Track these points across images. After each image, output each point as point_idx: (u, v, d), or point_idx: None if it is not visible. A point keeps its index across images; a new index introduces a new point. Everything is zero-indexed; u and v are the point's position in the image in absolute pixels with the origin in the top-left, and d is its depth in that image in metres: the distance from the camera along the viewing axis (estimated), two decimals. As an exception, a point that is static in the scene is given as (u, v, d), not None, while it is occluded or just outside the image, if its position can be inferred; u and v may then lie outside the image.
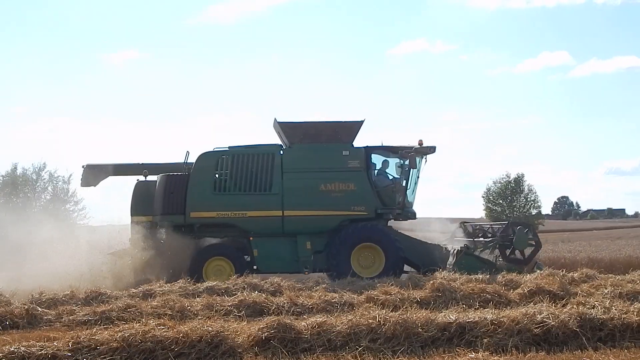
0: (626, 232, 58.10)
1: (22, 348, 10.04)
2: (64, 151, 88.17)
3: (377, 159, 22.47)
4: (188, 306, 14.34)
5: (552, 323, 10.86)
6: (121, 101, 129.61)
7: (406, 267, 21.90)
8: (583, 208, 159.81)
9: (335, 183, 21.57)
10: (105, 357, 9.98)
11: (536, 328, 10.83)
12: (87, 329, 11.41)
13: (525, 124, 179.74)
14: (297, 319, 11.80)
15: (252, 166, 21.55)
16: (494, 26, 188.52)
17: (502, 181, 72.75)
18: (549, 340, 10.72)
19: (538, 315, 11.07)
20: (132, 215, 21.95)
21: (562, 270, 19.31)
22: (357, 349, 10.36)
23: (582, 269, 19.25)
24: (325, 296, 14.97)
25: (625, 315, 11.26)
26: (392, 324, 10.87)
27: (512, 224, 22.61)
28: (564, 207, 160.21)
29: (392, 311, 11.68)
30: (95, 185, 23.70)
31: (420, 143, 21.93)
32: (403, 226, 24.19)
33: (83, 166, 23.46)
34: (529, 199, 72.09)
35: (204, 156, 21.81)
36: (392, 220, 22.73)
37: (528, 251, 21.91)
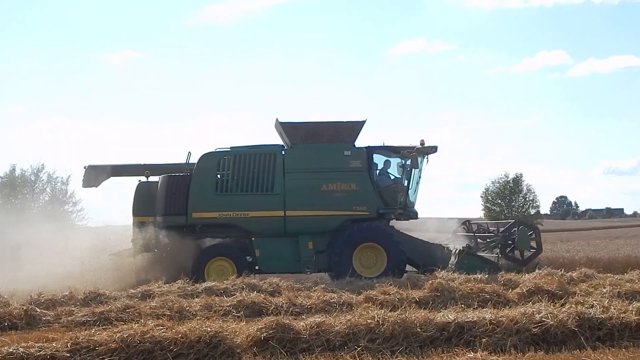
0: (625, 232, 58.10)
1: (21, 349, 10.04)
2: (63, 151, 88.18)
3: (378, 159, 22.47)
4: (187, 307, 14.34)
5: (551, 322, 10.87)
6: (121, 101, 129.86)
7: (406, 267, 21.89)
8: (582, 208, 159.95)
9: (337, 183, 21.56)
10: (104, 358, 9.98)
11: (535, 327, 10.84)
12: (85, 330, 11.42)
13: (524, 124, 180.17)
14: (295, 319, 11.80)
15: (254, 166, 21.54)
16: (491, 26, 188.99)
17: (500, 181, 72.72)
18: (547, 339, 10.73)
19: (537, 315, 11.08)
20: (134, 215, 21.90)
21: (561, 270, 19.34)
22: (355, 349, 10.36)
23: (581, 269, 19.27)
24: (323, 296, 14.97)
25: (623, 315, 11.28)
26: (390, 323, 10.87)
27: (518, 223, 22.61)
28: (563, 207, 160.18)
29: (390, 311, 11.68)
30: (96, 186, 23.72)
31: (422, 143, 21.91)
32: (401, 226, 24.15)
33: (85, 167, 23.47)
34: (527, 199, 72.01)
35: (206, 157, 21.80)
36: (394, 220, 22.71)
37: (528, 253, 21.92)
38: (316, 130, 21.92)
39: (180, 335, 10.38)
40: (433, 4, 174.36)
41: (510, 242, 21.71)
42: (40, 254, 21.78)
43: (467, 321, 11.06)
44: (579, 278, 18.09)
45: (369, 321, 10.99)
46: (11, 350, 9.98)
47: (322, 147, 21.75)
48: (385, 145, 22.54)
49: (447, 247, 22.25)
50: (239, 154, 21.68)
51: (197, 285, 17.33)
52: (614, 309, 11.56)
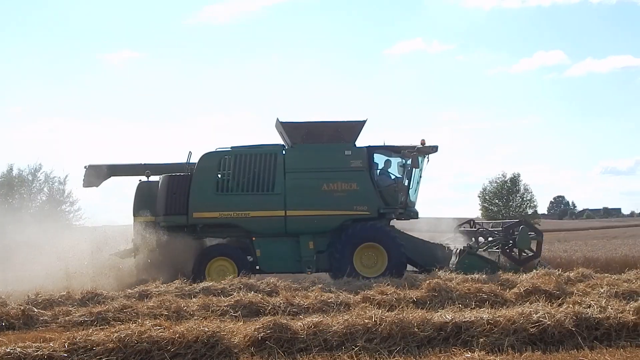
0: (622, 232, 58.07)
1: (18, 349, 10.03)
2: (63, 152, 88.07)
3: (379, 159, 22.50)
4: (184, 307, 14.34)
5: (548, 322, 10.88)
6: (121, 101, 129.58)
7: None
8: (579, 207, 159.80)
9: (338, 183, 21.58)
10: (101, 358, 9.98)
11: (532, 327, 10.84)
12: (83, 330, 11.43)
13: (522, 124, 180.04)
14: (293, 319, 11.79)
15: (255, 166, 21.56)
16: (489, 26, 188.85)
17: (498, 181, 72.82)
18: (545, 339, 10.74)
19: (534, 315, 11.09)
20: (134, 215, 21.90)
21: (558, 270, 19.38)
22: (353, 349, 10.36)
23: (578, 269, 19.30)
24: (321, 296, 14.96)
25: (621, 315, 11.29)
26: (388, 323, 10.87)
27: (521, 223, 22.65)
28: (560, 207, 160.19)
29: (388, 311, 11.68)
30: (97, 186, 23.71)
31: (423, 143, 21.93)
32: (400, 226, 24.17)
33: (85, 167, 23.45)
34: (524, 199, 72.13)
35: (207, 156, 21.82)
36: (395, 219, 22.72)
37: (524, 254, 21.96)
38: (317, 130, 21.96)
39: (177, 335, 10.38)
40: (431, 4, 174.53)
41: (510, 241, 21.76)
42: (39, 254, 21.74)
43: (464, 321, 11.06)
44: (576, 278, 18.12)
45: (366, 321, 10.99)
46: (8, 350, 9.98)
47: (322, 147, 21.78)
48: (385, 145, 22.56)
49: (448, 247, 22.27)
50: (239, 153, 21.70)
51: (195, 285, 17.34)
52: (612, 308, 11.57)
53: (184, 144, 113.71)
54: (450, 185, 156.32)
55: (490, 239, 22.32)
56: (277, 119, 22.03)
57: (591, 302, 12.25)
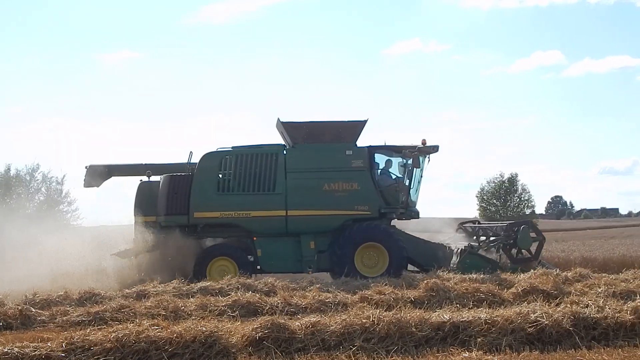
0: (620, 232, 58.12)
1: (16, 349, 10.03)
2: (63, 152, 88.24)
3: (380, 159, 22.52)
4: (182, 306, 14.33)
5: (546, 322, 10.88)
6: (121, 101, 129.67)
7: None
8: (577, 207, 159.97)
9: (339, 183, 21.60)
10: (99, 358, 9.98)
11: (530, 327, 10.85)
12: (80, 330, 11.41)
13: (521, 124, 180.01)
14: (291, 319, 11.79)
15: (256, 166, 21.58)
16: (487, 26, 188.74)
17: (495, 181, 72.90)
18: (542, 339, 10.74)
19: (532, 315, 11.10)
20: (135, 215, 21.92)
21: (556, 270, 19.38)
22: (351, 348, 10.37)
23: (576, 269, 19.29)
24: (319, 296, 14.95)
25: (618, 314, 11.29)
26: (385, 323, 10.87)
27: (528, 224, 22.66)
28: (558, 207, 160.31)
29: (386, 311, 11.70)
30: (98, 186, 23.71)
31: (424, 142, 21.97)
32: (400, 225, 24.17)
33: (86, 167, 23.45)
34: (522, 199, 72.24)
35: (208, 156, 21.84)
36: (396, 219, 22.73)
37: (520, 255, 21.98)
38: (318, 130, 21.99)
39: (175, 335, 10.38)
40: (428, 3, 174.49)
41: (511, 240, 21.78)
42: (37, 254, 21.73)
43: (462, 321, 11.06)
44: (574, 278, 18.12)
45: (364, 321, 10.99)
46: (6, 350, 9.97)
47: (323, 147, 21.82)
48: (386, 144, 22.60)
49: (449, 247, 22.28)
50: (240, 153, 21.72)
51: (193, 285, 17.33)
52: (609, 308, 11.57)
53: (184, 144, 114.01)
54: (447, 185, 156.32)
55: (492, 237, 22.35)
56: (278, 119, 22.05)
57: (589, 301, 12.25)
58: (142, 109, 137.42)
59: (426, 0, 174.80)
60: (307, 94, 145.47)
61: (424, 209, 23.32)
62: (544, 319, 10.95)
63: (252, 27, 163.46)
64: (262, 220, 21.37)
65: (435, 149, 22.36)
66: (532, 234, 22.11)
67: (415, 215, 22.80)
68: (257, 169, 21.55)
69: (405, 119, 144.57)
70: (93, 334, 10.53)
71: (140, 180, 22.60)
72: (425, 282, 15.82)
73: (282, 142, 22.64)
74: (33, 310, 14.41)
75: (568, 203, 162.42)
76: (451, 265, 21.01)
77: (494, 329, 10.83)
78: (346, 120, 22.39)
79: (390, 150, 22.56)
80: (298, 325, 11.03)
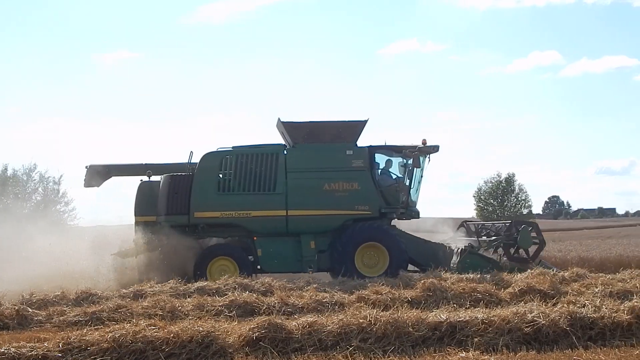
0: (616, 232, 58.14)
1: (13, 349, 10.02)
2: (63, 152, 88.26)
3: (380, 159, 22.55)
4: (179, 306, 14.32)
5: (543, 322, 10.89)
6: (120, 101, 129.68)
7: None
8: (574, 207, 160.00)
9: (339, 182, 21.62)
10: (95, 358, 9.97)
11: (527, 327, 10.86)
12: (77, 330, 11.40)
13: (518, 124, 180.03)
14: (287, 319, 11.79)
15: (256, 166, 21.60)
16: (484, 26, 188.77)
17: (493, 181, 72.98)
18: (539, 339, 10.75)
19: (529, 315, 11.11)
20: (135, 215, 21.91)
21: (553, 270, 19.38)
22: (347, 348, 10.37)
23: (573, 268, 19.28)
24: (316, 296, 14.96)
25: (615, 314, 11.31)
26: (382, 323, 10.88)
27: (531, 225, 22.67)
28: (555, 207, 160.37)
29: (382, 311, 11.70)
30: (98, 186, 23.70)
31: (424, 142, 22.00)
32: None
33: (86, 167, 23.45)
34: (519, 199, 72.35)
35: (208, 156, 21.85)
36: (396, 219, 22.74)
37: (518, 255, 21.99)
38: (318, 130, 22.02)
39: (172, 335, 10.37)
40: (425, 4, 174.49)
41: (512, 241, 21.80)
42: (34, 254, 21.71)
43: (459, 321, 11.07)
44: (571, 278, 18.12)
45: (361, 321, 10.99)
46: (2, 350, 9.97)
47: (324, 147, 21.84)
48: (387, 144, 22.62)
49: (449, 247, 22.29)
50: (241, 153, 21.73)
51: (190, 285, 17.31)
52: (606, 308, 11.59)
53: (184, 144, 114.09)
54: (445, 185, 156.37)
55: (493, 237, 22.37)
56: (279, 119, 22.07)
57: (586, 301, 12.29)
58: (142, 109, 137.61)
59: (423, 0, 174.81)
60: (306, 94, 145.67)
61: (421, 209, 23.31)
62: (540, 318, 10.96)
63: (251, 27, 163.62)
64: (262, 220, 21.38)
65: (435, 149, 22.40)
66: (533, 234, 22.08)
67: (416, 215, 22.82)
68: (258, 169, 21.57)
69: (403, 119, 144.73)
70: (90, 334, 10.52)
71: (141, 180, 22.59)
72: (422, 282, 15.83)
73: (282, 142, 22.66)
74: (30, 310, 14.39)
75: (565, 203, 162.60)
76: (451, 265, 21.03)
77: (490, 328, 10.83)
78: (346, 120, 22.40)
79: (391, 150, 22.58)
80: (295, 325, 11.03)
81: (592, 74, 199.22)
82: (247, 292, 15.69)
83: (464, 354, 9.83)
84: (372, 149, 22.25)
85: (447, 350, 10.21)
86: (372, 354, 10.22)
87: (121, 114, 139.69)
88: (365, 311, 11.47)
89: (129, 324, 10.87)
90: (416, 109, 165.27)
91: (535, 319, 10.98)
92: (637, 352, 10.12)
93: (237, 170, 21.52)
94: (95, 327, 11.75)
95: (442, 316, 11.28)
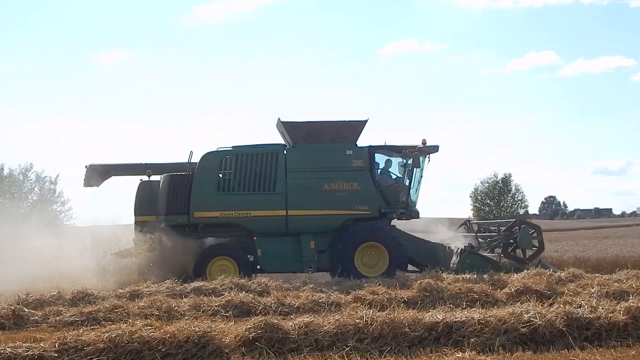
0: (613, 232, 58.15)
1: (9, 349, 10.01)
2: (63, 152, 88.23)
3: (380, 159, 22.57)
4: (175, 306, 14.30)
5: (539, 322, 10.89)
6: (120, 101, 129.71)
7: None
8: (570, 208, 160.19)
9: (339, 182, 21.63)
10: (92, 358, 9.96)
11: (523, 327, 10.86)
12: (73, 330, 11.40)
13: (517, 124, 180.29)
14: (284, 319, 11.78)
15: (256, 166, 21.61)
16: (481, 26, 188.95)
17: (489, 181, 73.01)
18: (535, 339, 10.75)
19: (525, 315, 11.11)
20: (135, 215, 21.94)
21: (549, 270, 19.39)
22: (344, 348, 10.37)
23: (569, 269, 19.30)
24: (312, 296, 14.94)
25: (611, 315, 11.31)
26: (379, 323, 10.87)
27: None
28: (551, 207, 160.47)
29: (379, 311, 11.68)
30: (98, 186, 23.70)
31: (424, 142, 22.02)
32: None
33: (86, 166, 23.44)
34: (516, 199, 72.37)
35: (208, 156, 21.85)
36: (396, 219, 22.75)
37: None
38: (318, 130, 22.03)
39: (168, 335, 10.36)
40: (423, 4, 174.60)
41: (512, 241, 21.80)
42: (30, 254, 21.70)
43: (455, 321, 11.07)
44: (567, 278, 18.13)
45: (357, 321, 10.99)
46: (-2, 350, 9.96)
47: (324, 147, 21.85)
48: (387, 144, 22.64)
49: (449, 247, 22.29)
50: (241, 153, 21.74)
51: (186, 285, 17.30)
52: (602, 308, 11.59)
53: (184, 144, 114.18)
54: (441, 185, 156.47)
55: (489, 239, 22.37)
56: (279, 119, 22.08)
57: (582, 302, 12.27)
58: (142, 109, 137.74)
59: (421, 0, 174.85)
60: (306, 94, 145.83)
61: (421, 209, 23.32)
62: (537, 319, 10.96)
63: (251, 27, 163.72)
64: (262, 220, 21.38)
65: (435, 148, 22.42)
66: (533, 233, 22.07)
67: (416, 215, 22.86)
68: (258, 169, 21.59)
69: (402, 119, 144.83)
70: (86, 334, 10.51)
71: (141, 179, 22.60)
72: (419, 282, 15.83)
73: (282, 142, 22.67)
74: (26, 310, 14.36)
75: (561, 203, 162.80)
76: (451, 265, 21.02)
77: (487, 329, 10.83)
78: (346, 120, 22.41)
79: (391, 150, 22.60)
80: (291, 326, 11.02)
81: (589, 74, 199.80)
82: (244, 292, 15.68)
83: (460, 354, 9.85)
84: (372, 149, 22.26)
85: (444, 351, 10.22)
86: (369, 354, 10.22)
87: (121, 114, 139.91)
88: (361, 311, 11.47)
89: (125, 324, 10.86)
90: (416, 109, 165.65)
91: (531, 319, 10.98)
92: (634, 352, 10.14)
93: (237, 170, 21.53)
94: (92, 327, 11.72)
95: (438, 316, 11.28)
